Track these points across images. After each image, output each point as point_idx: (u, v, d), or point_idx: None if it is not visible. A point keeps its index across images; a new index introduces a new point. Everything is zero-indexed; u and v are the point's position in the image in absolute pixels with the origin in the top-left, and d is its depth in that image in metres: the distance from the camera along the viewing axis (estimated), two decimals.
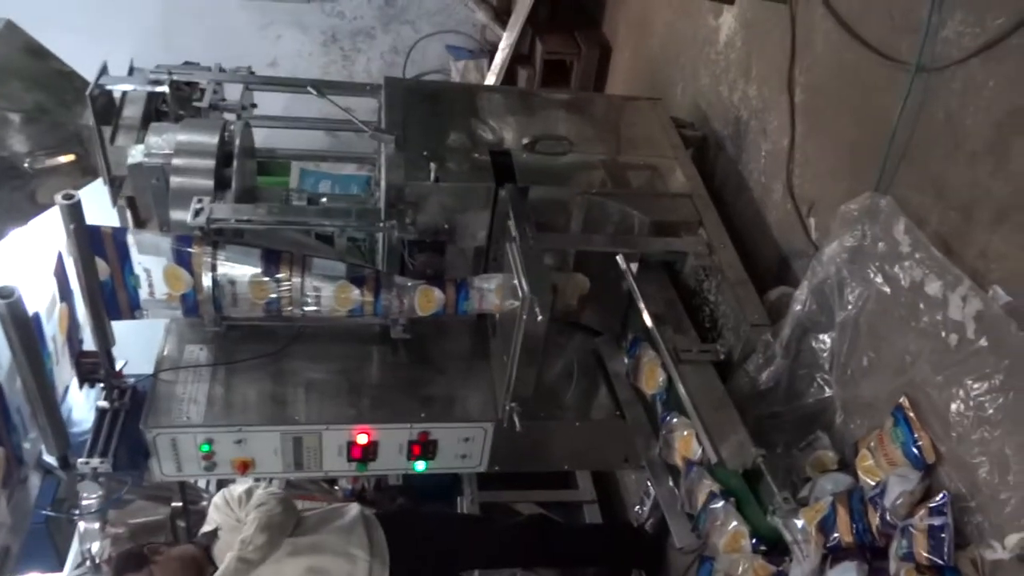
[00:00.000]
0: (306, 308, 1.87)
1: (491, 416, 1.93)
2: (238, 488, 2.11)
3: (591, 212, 2.02)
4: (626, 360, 1.91)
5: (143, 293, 1.83)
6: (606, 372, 2.08)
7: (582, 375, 2.07)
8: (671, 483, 1.80)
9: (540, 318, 1.66)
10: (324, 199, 2.14)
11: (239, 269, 1.82)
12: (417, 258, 1.96)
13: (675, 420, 1.73)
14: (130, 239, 1.77)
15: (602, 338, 2.14)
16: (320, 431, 1.88)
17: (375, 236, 2.14)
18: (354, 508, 2.22)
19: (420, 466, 1.97)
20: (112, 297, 1.82)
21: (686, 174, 2.13)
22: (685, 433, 1.70)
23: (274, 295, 1.84)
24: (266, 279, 1.82)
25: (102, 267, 1.78)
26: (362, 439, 1.91)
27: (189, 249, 1.81)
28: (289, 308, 1.87)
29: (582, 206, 2.02)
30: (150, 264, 1.79)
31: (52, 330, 1.81)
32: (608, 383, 2.05)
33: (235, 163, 1.97)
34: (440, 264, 1.98)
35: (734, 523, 1.51)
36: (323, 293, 1.85)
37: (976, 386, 1.31)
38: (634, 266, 1.95)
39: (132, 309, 1.85)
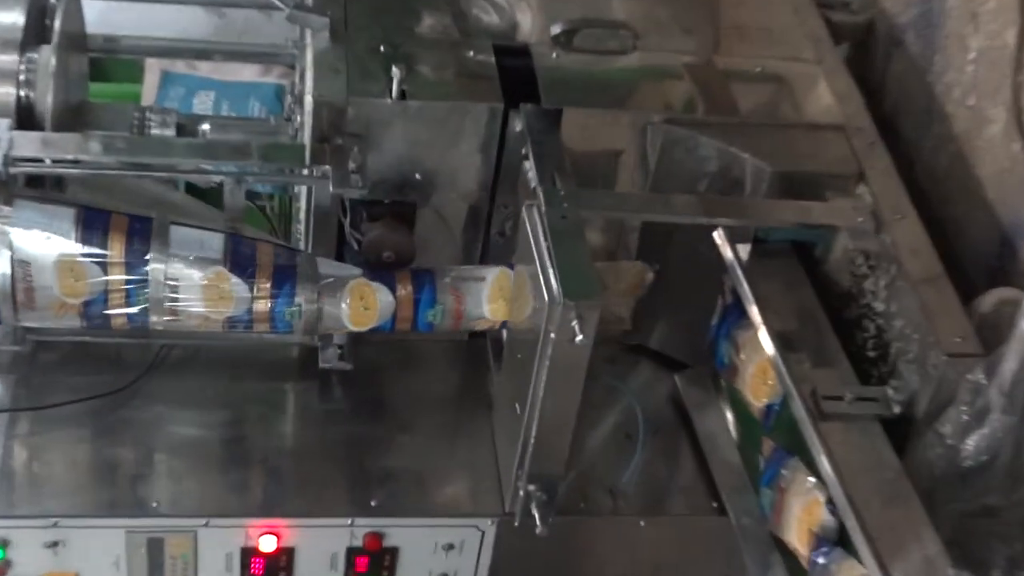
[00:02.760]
0: (154, 314, 1.88)
1: (492, 507, 1.94)
2: None
3: (669, 155, 2.03)
4: (764, 491, 1.89)
5: None
6: (692, 432, 2.08)
7: (650, 436, 2.09)
8: None
9: (581, 339, 1.65)
10: (205, 125, 2.13)
11: (38, 242, 1.83)
12: (367, 231, 1.96)
13: (841, 563, 1.68)
14: None
15: (686, 374, 2.15)
16: (195, 529, 1.88)
17: (293, 192, 2.14)
18: None
19: None
20: None
21: (835, 90, 2.14)
22: None
23: (99, 289, 1.85)
24: (85, 260, 1.84)
25: None
26: (268, 544, 1.91)
27: None
28: (120, 312, 1.88)
29: (654, 144, 2.02)
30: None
31: None
32: (696, 450, 2.06)
33: (52, 60, 1.96)
34: (406, 241, 1.97)
35: None
36: (182, 286, 1.86)
37: None
38: (744, 249, 1.94)
39: None
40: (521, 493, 1.84)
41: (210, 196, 2.13)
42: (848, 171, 2.00)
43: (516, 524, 1.88)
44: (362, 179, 1.88)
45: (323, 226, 2.02)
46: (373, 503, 1.92)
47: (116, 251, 1.84)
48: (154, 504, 1.88)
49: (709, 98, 2.11)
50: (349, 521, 1.91)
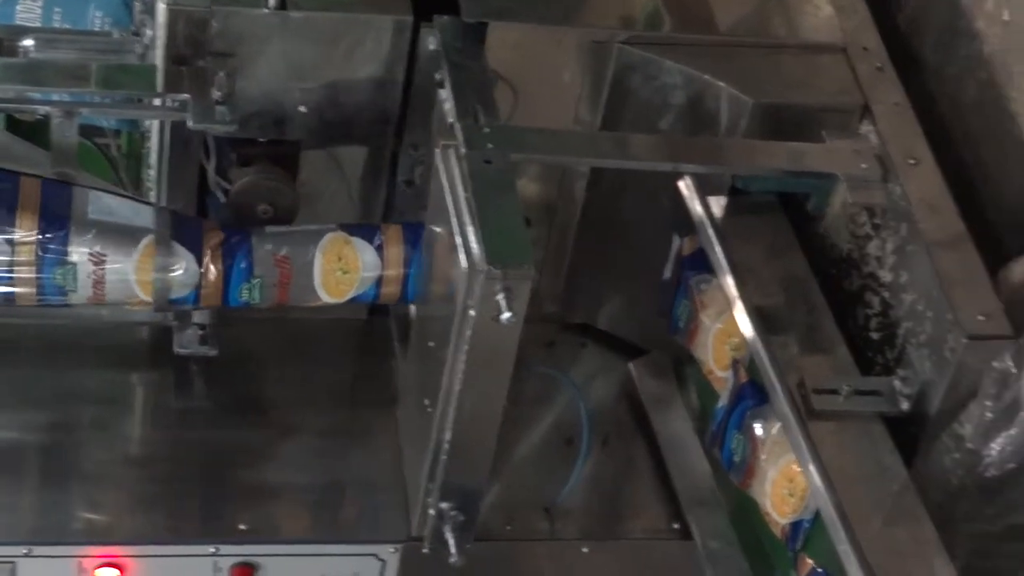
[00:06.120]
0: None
1: (395, 530, 1.94)
2: None
3: (625, 84, 2.03)
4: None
5: None
6: (650, 433, 2.10)
7: (597, 441, 2.10)
8: None
9: (508, 316, 1.66)
10: (27, 41, 2.09)
11: None
12: (236, 177, 1.96)
13: None
14: None
15: (643, 361, 2.18)
16: (13, 560, 1.88)
17: (143, 128, 2.12)
18: None
19: None
20: None
21: (836, 2, 2.14)
22: None
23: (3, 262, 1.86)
24: None
25: None
26: None
27: None
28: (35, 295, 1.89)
29: (605, 69, 2.02)
30: None
31: None
32: (654, 458, 2.09)
33: None
34: (286, 191, 1.97)
35: None
36: (110, 265, 1.87)
37: None
38: (718, 203, 1.96)
39: None
40: (432, 512, 1.84)
41: (32, 132, 2.10)
42: (849, 104, 2.00)
43: (425, 551, 1.88)
44: (230, 112, 1.86)
45: (181, 171, 2.00)
46: (242, 526, 1.92)
47: (28, 228, 1.84)
48: None
49: (677, 11, 2.11)
50: (212, 549, 1.90)
